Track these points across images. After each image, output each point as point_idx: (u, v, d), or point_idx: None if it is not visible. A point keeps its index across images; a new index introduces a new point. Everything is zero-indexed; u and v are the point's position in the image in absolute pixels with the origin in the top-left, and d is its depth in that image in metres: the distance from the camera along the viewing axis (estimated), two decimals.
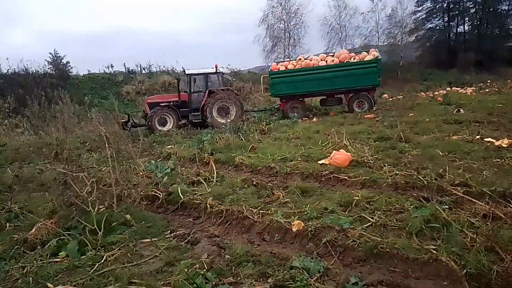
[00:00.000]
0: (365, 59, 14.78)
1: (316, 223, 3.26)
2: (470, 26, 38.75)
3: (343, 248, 2.89)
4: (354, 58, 15.02)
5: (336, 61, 15.07)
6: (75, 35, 53.71)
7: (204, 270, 2.56)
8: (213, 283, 2.41)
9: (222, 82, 15.53)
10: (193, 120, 14.41)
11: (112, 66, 29.36)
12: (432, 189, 3.88)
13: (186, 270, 2.48)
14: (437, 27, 38.93)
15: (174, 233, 3.46)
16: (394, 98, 20.54)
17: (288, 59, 16.27)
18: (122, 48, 52.88)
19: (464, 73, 31.47)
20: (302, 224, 3.27)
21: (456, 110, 10.83)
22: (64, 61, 25.69)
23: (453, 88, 23.29)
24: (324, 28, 36.39)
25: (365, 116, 11.78)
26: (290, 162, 5.83)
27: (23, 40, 50.17)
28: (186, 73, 15.28)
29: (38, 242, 3.40)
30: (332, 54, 16.31)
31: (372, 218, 3.29)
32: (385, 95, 22.42)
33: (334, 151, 5.66)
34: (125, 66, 30.16)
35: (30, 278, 2.72)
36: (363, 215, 3.38)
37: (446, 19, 38.45)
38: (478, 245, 2.56)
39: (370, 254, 2.76)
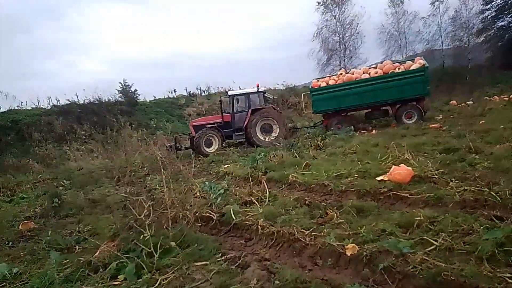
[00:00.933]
0: (411, 68, 14.11)
1: (372, 246, 3.05)
2: None
3: (402, 275, 2.65)
4: (399, 68, 14.42)
5: (380, 72, 14.62)
6: (141, 61, 58.13)
7: None
8: None
9: (264, 100, 15.63)
10: (237, 140, 14.63)
11: (175, 91, 31.21)
12: (506, 206, 3.43)
13: None
14: (510, 25, 35.54)
15: (225, 256, 3.45)
16: (463, 104, 18.97)
17: (329, 75, 16.00)
18: (184, 72, 56.19)
19: None
20: (357, 248, 3.08)
21: None
22: (132, 89, 27.77)
23: None
24: (382, 36, 35.15)
25: (430, 126, 11.02)
26: (346, 179, 5.61)
27: (95, 67, 55.49)
28: (228, 94, 15.69)
29: (101, 264, 3.60)
30: (375, 66, 15.86)
31: (436, 241, 2.99)
32: (453, 101, 20.84)
33: (393, 166, 5.32)
34: (186, 90, 31.88)
35: None
36: (426, 237, 3.09)
37: None
38: None
39: (433, 282, 2.49)
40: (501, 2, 35.17)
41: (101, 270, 3.52)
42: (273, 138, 14.33)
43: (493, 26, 35.48)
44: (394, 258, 2.81)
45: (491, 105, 15.53)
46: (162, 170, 4.71)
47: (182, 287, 2.90)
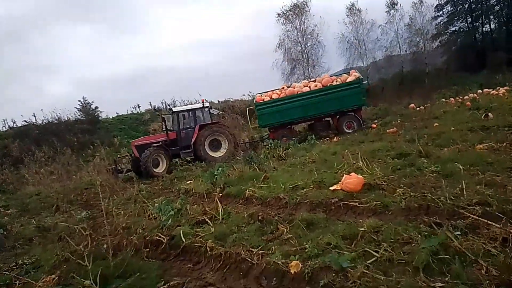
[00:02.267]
0: (346, 81, 15.07)
1: (315, 262, 3.00)
2: (496, 25, 37.26)
3: None
4: (336, 81, 15.35)
5: (319, 85, 15.43)
6: (102, 79, 56.85)
7: None
8: None
9: (210, 116, 15.52)
10: (186, 158, 14.04)
11: (139, 106, 30.59)
12: (446, 212, 3.51)
13: None
14: (461, 30, 37.72)
15: (168, 284, 3.30)
16: (421, 107, 19.74)
17: (271, 90, 16.60)
18: (148, 88, 55.43)
19: (496, 73, 29.96)
20: (300, 265, 3.02)
21: (484, 115, 10.18)
22: (93, 106, 26.97)
23: (485, 90, 22.14)
24: (343, 45, 36.21)
25: (387, 131, 11.33)
26: (302, 190, 5.59)
27: (61, 89, 53.68)
28: (173, 110, 15.23)
29: None
30: (313, 80, 16.83)
31: (377, 252, 2.99)
32: (411, 105, 21.66)
33: (345, 175, 5.37)
34: (151, 104, 31.33)
35: None
36: (368, 249, 3.08)
37: (469, 20, 37.21)
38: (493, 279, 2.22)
39: None
40: (452, 9, 37.36)
41: None
42: (222, 154, 14.34)
43: (446, 31, 37.58)
44: (334, 274, 2.77)
45: (447, 107, 16.27)
46: (101, 195, 4.46)
47: None
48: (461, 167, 4.95)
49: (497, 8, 36.14)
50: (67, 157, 23.35)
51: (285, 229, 4.03)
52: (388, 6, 35.81)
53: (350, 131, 14.64)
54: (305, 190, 5.61)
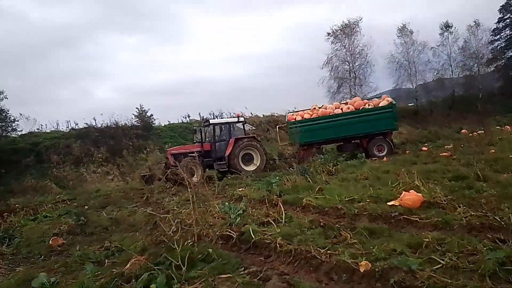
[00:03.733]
0: (379, 105, 15.41)
1: (383, 264, 3.32)
2: None
3: None
4: (368, 105, 15.68)
5: (352, 108, 15.71)
6: (154, 88, 59.94)
7: None
8: None
9: (244, 130, 15.98)
10: (219, 170, 14.33)
11: (188, 116, 32.01)
12: (509, 230, 3.69)
13: None
14: None
15: (247, 270, 3.75)
16: (474, 133, 19.12)
17: (302, 109, 17.26)
18: (195, 98, 57.80)
19: None
20: (370, 265, 3.35)
21: None
22: (148, 113, 28.65)
23: None
24: (392, 66, 35.78)
25: (441, 154, 11.24)
26: (358, 203, 5.88)
27: (108, 95, 57.39)
28: (210, 122, 15.74)
29: (133, 276, 3.92)
30: (345, 102, 17.04)
31: (443, 260, 3.26)
32: (464, 130, 21.05)
33: (404, 192, 5.60)
34: (199, 115, 32.66)
35: None
36: (433, 257, 3.35)
37: None
38: None
39: None
40: (511, 33, 35.84)
41: (133, 280, 3.83)
42: (254, 167, 14.75)
43: (503, 56, 36.03)
44: (404, 274, 3.08)
45: (502, 134, 15.70)
46: (189, 189, 5.05)
47: None
48: None
49: None
50: (122, 159, 24.98)
51: (348, 235, 4.35)
52: (442, 29, 35.09)
53: (381, 154, 14.79)
54: (361, 203, 5.89)
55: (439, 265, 3.20)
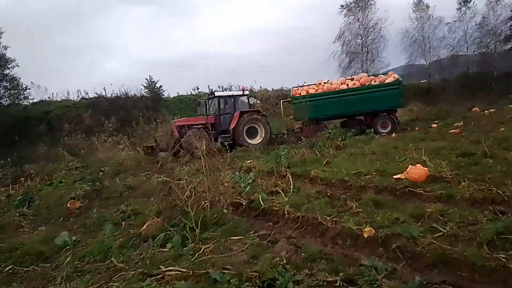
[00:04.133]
0: (386, 82, 15.06)
1: (386, 231, 3.50)
2: None
3: (412, 254, 3.10)
4: (374, 81, 15.36)
5: (358, 84, 15.48)
6: (163, 60, 59.44)
7: (284, 262, 3.01)
8: (291, 273, 2.84)
9: (249, 103, 15.82)
10: (224, 142, 13.77)
11: (198, 88, 31.96)
12: (510, 203, 3.82)
13: (268, 261, 2.95)
14: None
15: (257, 233, 3.98)
16: (486, 111, 18.89)
17: (307, 84, 17.11)
18: (205, 71, 57.24)
19: None
20: (373, 231, 3.54)
21: None
22: (157, 85, 28.70)
23: None
24: (405, 41, 34.85)
25: (450, 131, 11.23)
26: (364, 177, 6.03)
27: (118, 67, 57.18)
28: (215, 95, 15.49)
29: (149, 236, 4.18)
30: (351, 78, 16.66)
31: (444, 229, 3.42)
32: (475, 108, 20.75)
33: (410, 166, 5.72)
34: (209, 87, 32.54)
35: (147, 261, 3.44)
36: (435, 225, 3.52)
37: None
38: None
39: (438, 260, 2.94)
40: None
41: (150, 240, 4.10)
42: (258, 141, 14.74)
43: None
44: (405, 240, 3.26)
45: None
46: (202, 159, 5.24)
47: (222, 255, 3.43)
48: None
49: None
50: (132, 129, 25.33)
51: (354, 205, 4.53)
52: (460, 3, 33.81)
53: (385, 131, 14.65)
54: (368, 176, 6.04)
55: (440, 233, 3.37)
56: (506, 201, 3.95)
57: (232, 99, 15.45)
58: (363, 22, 34.03)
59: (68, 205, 6.52)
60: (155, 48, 64.84)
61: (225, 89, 32.71)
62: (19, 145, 22.14)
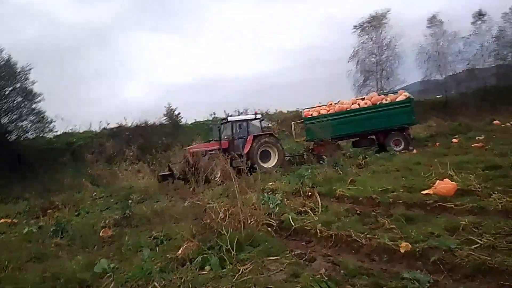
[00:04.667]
0: (396, 100, 15.37)
1: (423, 245, 3.53)
2: None
3: (451, 265, 3.13)
4: (385, 100, 15.62)
5: (369, 103, 15.71)
6: (180, 86, 60.80)
7: (325, 279, 3.07)
8: None
9: (261, 127, 15.94)
10: (239, 167, 13.19)
11: (214, 113, 32.55)
12: None
13: (310, 278, 3.03)
14: None
15: (293, 252, 4.05)
16: (507, 124, 18.60)
17: (319, 105, 17.65)
18: (221, 95, 58.40)
19: None
20: (410, 246, 3.58)
21: None
22: (176, 112, 29.49)
23: None
24: (421, 57, 34.93)
25: (472, 145, 11.13)
26: (392, 193, 6.04)
27: (138, 93, 58.75)
28: (228, 119, 15.65)
29: (187, 259, 4.30)
30: (362, 98, 17.04)
31: (480, 240, 3.44)
32: (496, 121, 20.46)
33: (438, 181, 5.73)
34: (225, 112, 33.15)
35: (189, 284, 3.55)
36: (471, 237, 3.54)
37: None
38: None
39: (478, 270, 2.96)
40: None
41: (187, 263, 4.21)
42: (272, 164, 14.68)
43: None
44: (443, 253, 3.29)
45: None
46: (234, 180, 5.40)
47: (261, 275, 3.52)
48: None
49: None
50: (152, 157, 25.85)
51: (386, 221, 4.57)
52: (474, 17, 33.91)
53: (398, 148, 14.54)
54: (395, 193, 6.05)
55: (477, 245, 3.39)
56: None
57: (245, 123, 15.60)
58: (377, 41, 34.45)
59: (101, 233, 6.72)
60: (173, 73, 66.66)
61: (241, 113, 33.23)
62: (44, 177, 22.85)
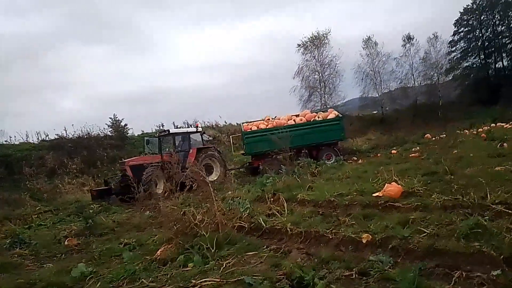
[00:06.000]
0: (328, 117, 17.05)
1: (381, 235, 4.14)
2: (509, 61, 38.81)
3: (407, 250, 3.74)
4: (318, 117, 17.25)
5: (304, 120, 17.17)
6: (122, 97, 59.20)
7: (303, 266, 3.52)
8: (313, 272, 3.35)
9: (202, 140, 15.83)
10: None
11: (162, 125, 32.03)
12: (475, 207, 4.63)
13: (291, 265, 3.46)
14: (474, 65, 39.41)
15: (268, 248, 4.46)
16: (437, 137, 20.84)
17: (259, 120, 18.53)
18: (165, 107, 57.80)
19: (509, 108, 31.06)
20: (370, 236, 4.16)
21: (499, 144, 11.25)
22: (122, 123, 28.60)
23: (498, 124, 23.20)
24: (359, 75, 37.77)
25: (411, 155, 12.43)
26: (347, 197, 6.71)
27: (74, 106, 56.07)
28: (170, 131, 15.16)
29: (167, 259, 4.51)
30: (296, 114, 18.35)
31: (427, 230, 4.12)
32: (427, 135, 22.79)
33: (386, 184, 6.50)
34: (174, 124, 32.79)
35: (178, 278, 3.79)
36: (419, 228, 4.21)
37: (482, 56, 38.87)
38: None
39: (428, 253, 3.60)
40: (465, 45, 39.06)
41: (169, 263, 4.42)
42: (215, 178, 14.57)
43: (459, 66, 39.12)
44: (399, 240, 3.91)
45: (462, 138, 17.33)
46: (210, 187, 5.69)
47: (244, 267, 3.87)
48: (483, 181, 6.05)
49: (510, 46, 37.68)
50: (97, 170, 24.76)
51: (346, 219, 5.16)
52: (404, 40, 37.57)
53: (329, 162, 15.39)
54: (349, 196, 6.73)
55: (425, 234, 4.06)
56: (471, 206, 4.75)
57: (187, 136, 15.28)
58: (319, 59, 36.58)
59: (66, 242, 6.59)
60: (113, 85, 64.64)
61: (190, 125, 33.14)
62: None
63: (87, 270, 4.62)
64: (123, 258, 5.21)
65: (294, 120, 17.13)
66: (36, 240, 7.13)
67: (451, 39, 38.96)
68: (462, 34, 39.27)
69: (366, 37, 37.10)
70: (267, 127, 16.87)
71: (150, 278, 3.96)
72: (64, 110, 51.15)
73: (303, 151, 16.77)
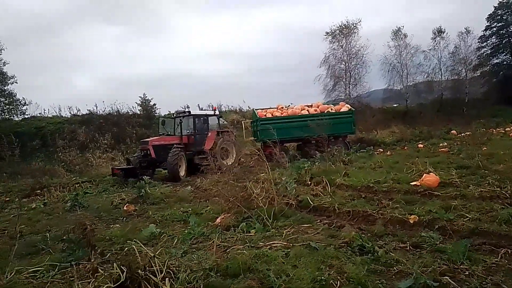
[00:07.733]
0: (340, 110, 17.12)
1: (427, 217, 4.59)
2: None
3: (452, 230, 4.19)
4: (331, 109, 17.31)
5: (318, 111, 17.27)
6: (135, 78, 60.00)
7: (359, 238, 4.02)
8: (370, 243, 3.84)
9: (219, 124, 15.63)
10: (202, 163, 11.59)
11: (188, 107, 32.78)
12: None
13: (351, 234, 3.97)
14: (504, 62, 38.44)
15: (322, 222, 4.97)
16: (463, 134, 20.82)
17: (271, 107, 18.47)
18: (187, 90, 58.58)
19: None
20: (417, 217, 4.62)
21: None
22: (151, 103, 29.44)
23: None
24: (385, 67, 37.44)
25: (439, 150, 12.67)
26: (384, 184, 7.14)
27: (88, 84, 57.17)
28: (192, 113, 14.74)
29: (230, 226, 5.08)
30: (310, 105, 18.31)
31: (469, 215, 4.55)
32: (453, 131, 22.77)
33: (424, 174, 6.89)
34: (199, 106, 33.53)
35: (246, 240, 4.35)
36: (462, 213, 4.64)
37: None
38: None
39: (472, 233, 4.05)
40: (496, 41, 38.06)
41: (232, 229, 4.99)
42: (230, 162, 14.35)
43: (488, 63, 38.22)
44: (444, 222, 4.35)
45: (490, 135, 17.36)
46: (266, 164, 6.23)
47: (302, 235, 4.39)
48: None
49: None
50: (126, 146, 25.75)
51: (389, 203, 5.61)
52: (434, 33, 36.90)
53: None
54: (387, 184, 7.15)
55: (467, 218, 4.49)
56: (509, 197, 5.14)
57: (206, 118, 14.96)
58: (347, 49, 36.36)
59: (125, 207, 7.27)
60: (127, 66, 65.40)
61: (209, 106, 33.68)
62: (12, 160, 22.21)
63: (156, 231, 5.24)
64: (188, 222, 5.75)
65: (307, 111, 17.30)
66: (95, 205, 7.85)
67: (482, 34, 38.08)
68: (494, 29, 38.24)
69: (396, 29, 36.60)
70: (282, 115, 17.14)
71: (220, 240, 4.53)
72: (79, 89, 52.46)
73: (312, 142, 16.26)
